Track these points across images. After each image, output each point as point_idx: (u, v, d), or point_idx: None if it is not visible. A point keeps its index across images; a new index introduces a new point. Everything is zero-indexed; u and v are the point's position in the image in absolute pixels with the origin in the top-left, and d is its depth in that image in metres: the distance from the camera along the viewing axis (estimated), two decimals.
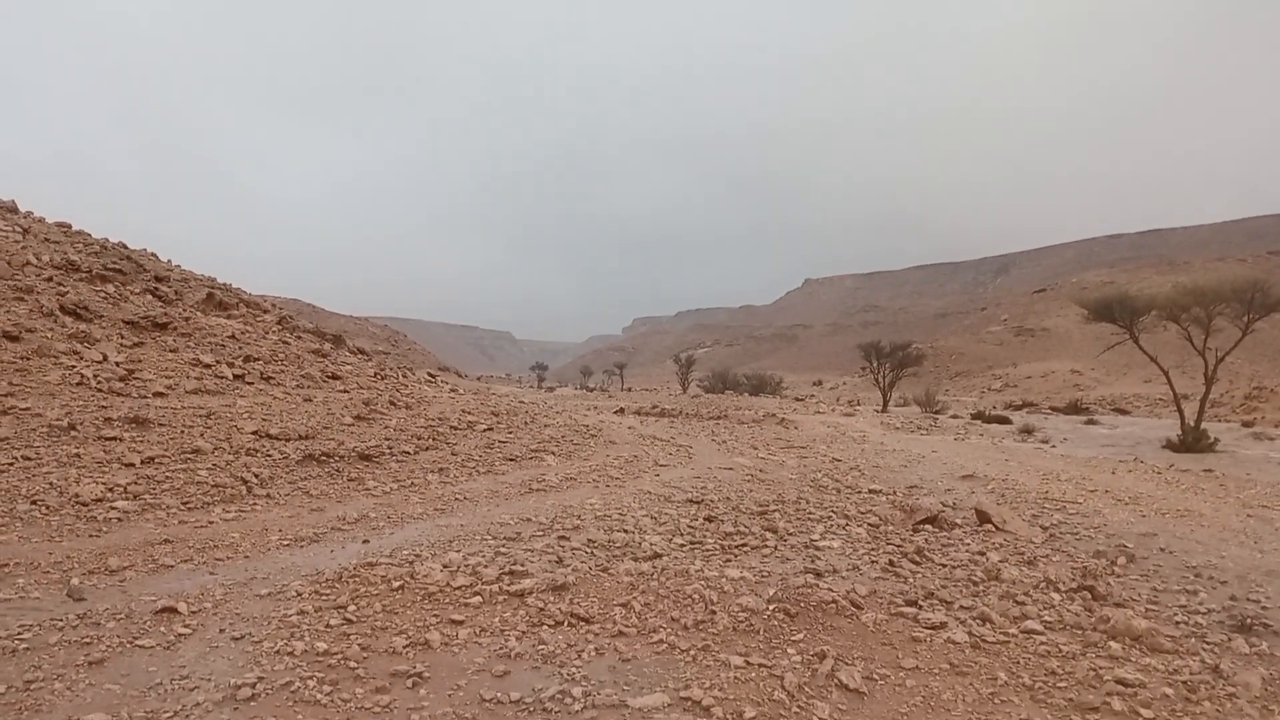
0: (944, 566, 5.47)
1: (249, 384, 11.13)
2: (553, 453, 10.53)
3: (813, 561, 5.48)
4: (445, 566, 4.81)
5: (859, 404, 38.22)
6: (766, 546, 5.88)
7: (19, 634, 3.70)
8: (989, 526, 6.82)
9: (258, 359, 12.41)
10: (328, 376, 13.17)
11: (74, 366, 9.17)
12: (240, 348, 12.59)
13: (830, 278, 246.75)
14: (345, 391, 12.44)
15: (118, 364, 9.83)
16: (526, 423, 12.73)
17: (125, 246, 15.56)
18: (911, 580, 5.08)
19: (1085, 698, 3.47)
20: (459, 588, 4.45)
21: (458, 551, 5.32)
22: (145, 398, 9.02)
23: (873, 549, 5.93)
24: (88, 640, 3.67)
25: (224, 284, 17.08)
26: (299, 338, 15.30)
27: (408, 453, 9.14)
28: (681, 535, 6.13)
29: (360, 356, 16.84)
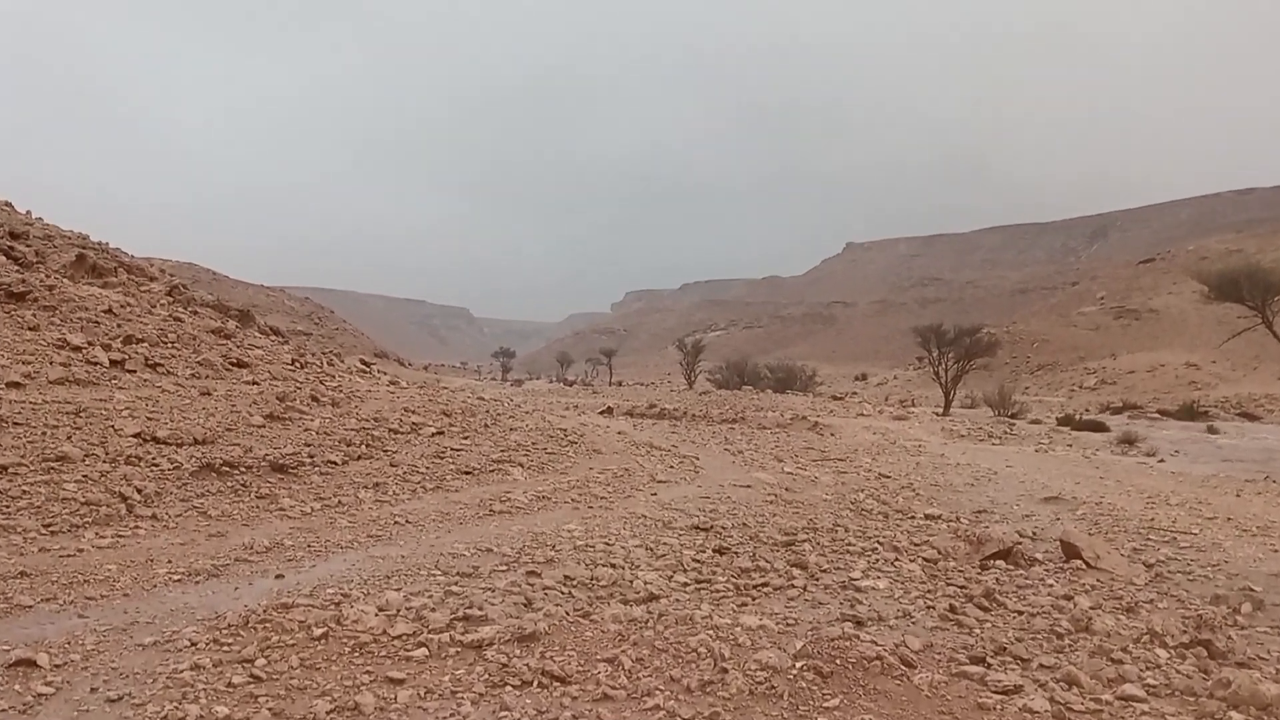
0: (1019, 614, 5.51)
1: (130, 373, 11.09)
2: (520, 464, 10.61)
3: (852, 606, 5.51)
4: (381, 609, 4.84)
5: (914, 404, 38.50)
6: (793, 587, 5.92)
7: None
8: (1078, 563, 6.87)
9: (142, 340, 12.38)
10: (232, 364, 13.14)
11: None
12: (119, 325, 12.54)
13: (879, 242, 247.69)
14: (254, 383, 12.45)
15: None
16: (487, 425, 12.77)
17: None
18: (978, 631, 5.12)
19: None
20: (399, 637, 4.47)
21: (397, 590, 5.35)
22: None
23: (929, 591, 5.97)
24: None
25: (99, 243, 17.04)
26: (195, 314, 15.29)
27: (334, 463, 9.24)
28: (684, 571, 6.18)
29: (274, 338, 16.86)
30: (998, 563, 6.82)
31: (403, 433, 11.10)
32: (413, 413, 12.38)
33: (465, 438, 11.66)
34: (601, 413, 19.81)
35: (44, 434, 8.02)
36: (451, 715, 3.72)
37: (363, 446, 10.01)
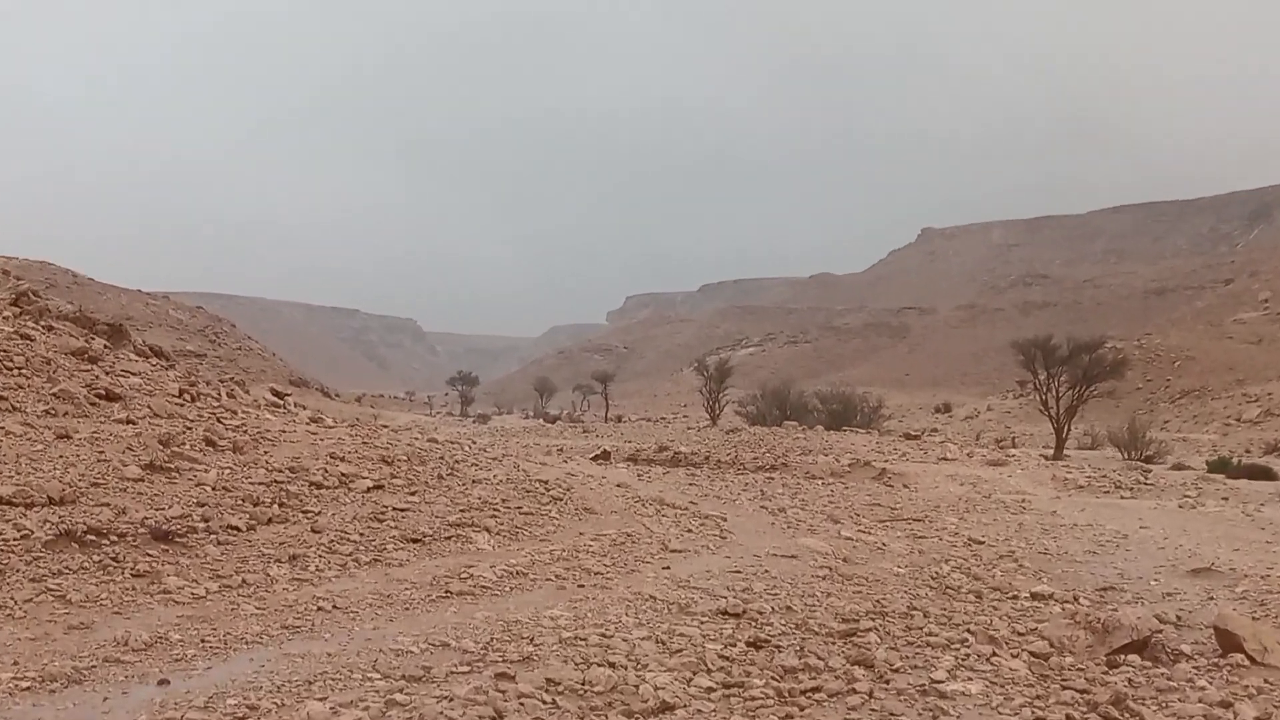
0: None
1: None
2: (487, 529, 10.57)
3: (935, 718, 5.49)
4: None
5: (1014, 445, 38.32)
6: (855, 692, 5.92)
7: None
8: (1238, 658, 6.82)
9: None
10: (99, 396, 13.02)
11: None
12: None
13: (965, 228, 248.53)
14: (129, 422, 12.33)
15: None
16: (442, 476, 12.75)
17: None
18: None
19: None
20: None
21: (321, 700, 5.33)
22: None
23: (1038, 698, 5.96)
24: None
25: None
26: (50, 330, 15.29)
27: (236, 529, 9.19)
28: (708, 672, 6.17)
29: (155, 362, 16.86)
30: (1130, 658, 6.78)
31: (328, 487, 11.05)
32: (342, 460, 12.34)
33: (412, 493, 11.59)
34: (595, 458, 19.69)
35: None
36: None
37: (275, 506, 9.96)
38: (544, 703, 5.48)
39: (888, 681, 6.15)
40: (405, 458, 13.38)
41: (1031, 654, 6.82)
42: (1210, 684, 6.30)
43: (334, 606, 7.50)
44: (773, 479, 18.07)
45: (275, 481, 10.74)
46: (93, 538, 8.21)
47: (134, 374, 14.85)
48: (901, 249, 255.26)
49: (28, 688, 5.55)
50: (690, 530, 11.83)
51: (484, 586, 8.30)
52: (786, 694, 5.86)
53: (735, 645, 6.73)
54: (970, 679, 6.23)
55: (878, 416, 46.29)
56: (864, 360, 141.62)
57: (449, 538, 10.05)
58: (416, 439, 15.80)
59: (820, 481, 17.90)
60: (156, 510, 9.02)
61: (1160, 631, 7.16)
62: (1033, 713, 5.68)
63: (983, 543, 11.77)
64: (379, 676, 5.84)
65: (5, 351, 13.18)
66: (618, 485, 14.87)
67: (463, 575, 8.55)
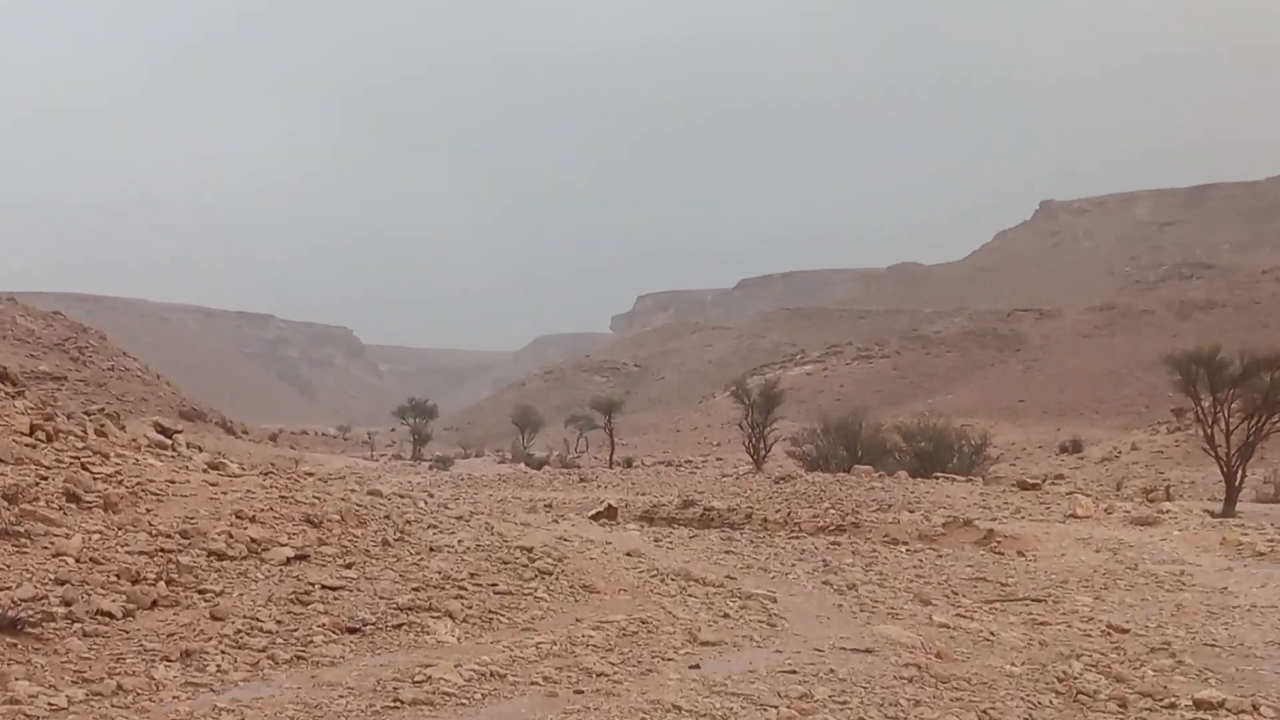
0: None
1: None
2: (450, 613, 10.56)
3: None
4: None
5: (1169, 496, 37.94)
6: None
7: None
8: None
9: None
10: None
11: None
12: None
13: (1099, 200, 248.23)
14: None
15: None
16: (388, 543, 12.76)
17: None
18: None
19: None
20: None
21: None
22: None
23: None
24: None
25: None
26: None
27: (109, 615, 9.15)
28: None
29: None
30: None
31: (234, 558, 11.00)
32: (251, 521, 12.32)
33: (348, 566, 11.58)
34: (597, 517, 19.69)
35: None
36: None
37: (161, 584, 9.89)
38: None
39: None
40: (338, 517, 13.35)
41: None
42: None
43: None
44: (839, 545, 17.98)
45: (161, 550, 10.67)
46: None
47: None
48: (1013, 230, 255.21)
49: None
50: (727, 615, 11.79)
51: (446, 694, 8.22)
52: None
53: None
54: None
55: (982, 458, 46.02)
56: (962, 381, 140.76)
57: (398, 626, 10.00)
58: (353, 492, 15.87)
59: (904, 548, 17.86)
60: (0, 591, 8.98)
61: None
62: None
63: (1127, 631, 11.68)
64: None
65: None
66: (628, 554, 14.85)
67: (417, 678, 8.46)
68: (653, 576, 13.47)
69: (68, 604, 9.07)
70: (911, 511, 21.11)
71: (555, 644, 9.87)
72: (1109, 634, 11.51)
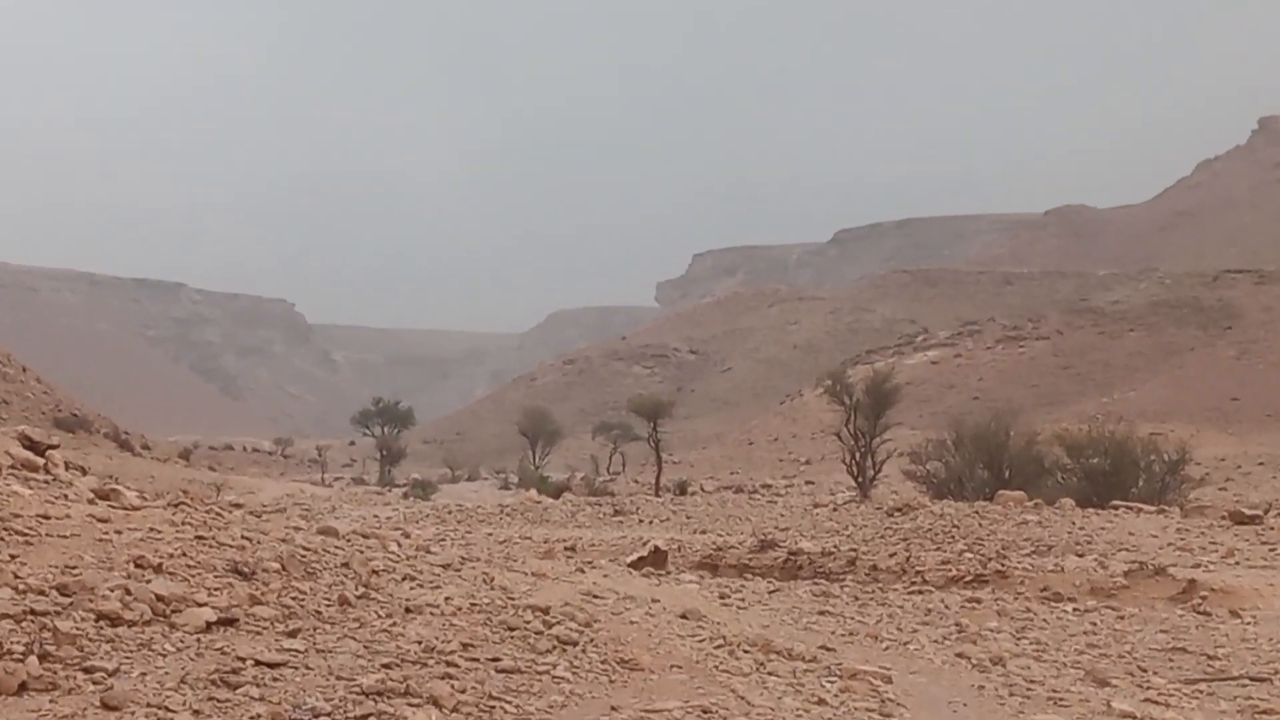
0: None
1: None
2: (434, 699, 9.44)
3: None
4: None
5: None
6: None
7: None
8: None
9: None
10: None
11: None
12: None
13: None
14: None
15: None
16: (348, 601, 11.97)
17: None
18: None
19: None
20: None
21: None
22: None
23: None
24: None
25: None
26: None
27: None
28: None
29: None
30: None
31: (132, 622, 10.12)
32: (157, 571, 11.59)
33: (292, 634, 10.71)
34: (639, 564, 18.45)
35: None
36: None
37: (31, 660, 8.76)
38: None
39: None
40: (278, 566, 12.62)
41: None
42: None
43: None
44: (979, 603, 16.37)
45: (32, 613, 9.86)
46: None
47: None
48: (1220, 160, 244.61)
49: None
50: (823, 702, 10.40)
51: None
52: None
53: None
54: None
55: (1179, 480, 42.55)
56: (1150, 372, 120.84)
57: (363, 718, 8.71)
58: (298, 530, 15.06)
59: (1070, 606, 16.25)
60: None
61: None
62: None
63: None
64: None
65: None
66: (682, 616, 13.88)
67: None
68: (718, 648, 12.16)
69: None
70: (1081, 555, 19.98)
71: None
72: None
